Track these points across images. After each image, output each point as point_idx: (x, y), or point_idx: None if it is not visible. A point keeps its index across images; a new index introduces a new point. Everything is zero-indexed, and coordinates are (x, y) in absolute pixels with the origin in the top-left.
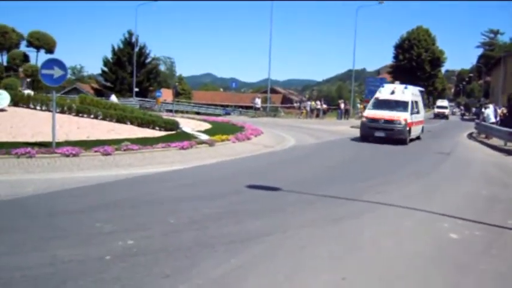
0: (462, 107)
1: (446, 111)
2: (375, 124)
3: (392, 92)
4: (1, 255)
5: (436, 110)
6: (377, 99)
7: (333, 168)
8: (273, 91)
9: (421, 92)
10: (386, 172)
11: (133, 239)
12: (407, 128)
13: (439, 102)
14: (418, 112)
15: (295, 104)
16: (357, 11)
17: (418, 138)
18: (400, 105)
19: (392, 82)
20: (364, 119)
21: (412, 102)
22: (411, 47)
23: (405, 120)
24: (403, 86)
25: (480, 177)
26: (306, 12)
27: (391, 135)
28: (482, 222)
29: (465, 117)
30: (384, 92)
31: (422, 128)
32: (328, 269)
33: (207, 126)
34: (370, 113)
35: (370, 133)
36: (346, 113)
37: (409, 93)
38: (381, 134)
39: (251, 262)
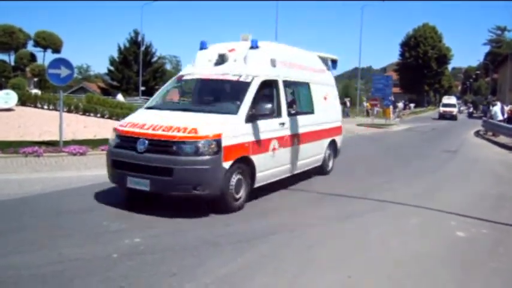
0: (470, 105)
1: (455, 110)
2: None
3: (220, 60)
4: (9, 253)
5: (442, 109)
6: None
7: (338, 166)
8: None
9: (323, 60)
10: (393, 170)
11: (140, 237)
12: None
13: (446, 99)
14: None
15: None
16: (362, 9)
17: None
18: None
19: (399, 80)
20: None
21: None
22: (417, 44)
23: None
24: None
25: (487, 175)
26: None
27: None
28: (490, 221)
29: (473, 115)
30: (202, 60)
31: (331, 146)
32: (334, 267)
33: None
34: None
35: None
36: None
37: (259, 60)
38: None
39: (258, 261)
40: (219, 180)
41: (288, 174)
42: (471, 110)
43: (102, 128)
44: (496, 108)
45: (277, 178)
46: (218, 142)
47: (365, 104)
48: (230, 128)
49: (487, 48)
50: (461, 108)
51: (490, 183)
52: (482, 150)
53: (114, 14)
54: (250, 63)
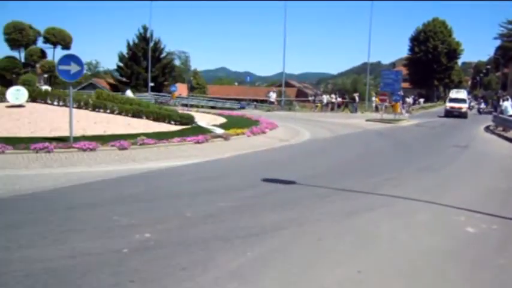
0: (481, 100)
1: (464, 106)
2: None
3: None
4: (22, 247)
5: (448, 105)
6: None
7: (348, 162)
8: (288, 85)
9: None
10: (402, 165)
11: (151, 232)
12: None
13: (454, 93)
14: None
15: (310, 98)
16: (372, 4)
17: None
18: None
19: (408, 75)
20: None
21: None
22: (427, 39)
23: None
24: None
25: (498, 171)
26: (320, 5)
27: None
28: (500, 216)
29: (483, 111)
30: None
31: None
32: (343, 262)
33: (222, 120)
34: None
35: None
36: (345, 107)
37: None
38: None
39: (267, 255)
40: None
41: None
42: (482, 105)
43: (112, 123)
44: (507, 103)
45: None
46: None
47: (374, 99)
48: None
49: (498, 43)
50: (472, 104)
51: (500, 178)
52: (492, 146)
53: (123, 11)
54: None
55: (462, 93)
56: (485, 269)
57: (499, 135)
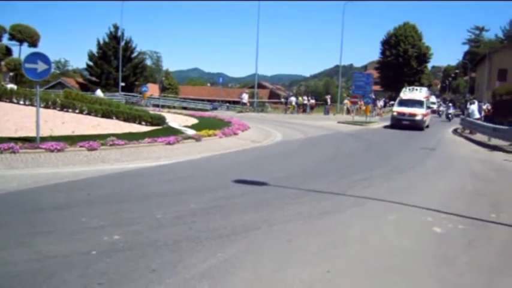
0: (450, 103)
1: (419, 112)
2: None
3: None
4: None
5: (396, 111)
6: None
7: (320, 163)
8: (260, 86)
9: None
10: (371, 167)
11: (120, 234)
12: None
13: (406, 93)
14: None
15: (282, 100)
16: (344, 7)
17: None
18: None
19: (379, 78)
20: None
21: None
22: (398, 43)
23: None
24: None
25: (464, 172)
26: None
27: None
28: (466, 216)
29: (452, 116)
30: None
31: None
32: (313, 262)
33: (194, 121)
34: None
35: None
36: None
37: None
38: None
39: (238, 256)
40: None
41: None
42: (451, 110)
43: (81, 124)
44: (474, 107)
45: None
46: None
47: (345, 101)
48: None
49: (466, 48)
50: (441, 109)
51: (467, 179)
52: (460, 148)
53: (94, 8)
54: None
55: (418, 93)
56: (451, 267)
57: (466, 138)
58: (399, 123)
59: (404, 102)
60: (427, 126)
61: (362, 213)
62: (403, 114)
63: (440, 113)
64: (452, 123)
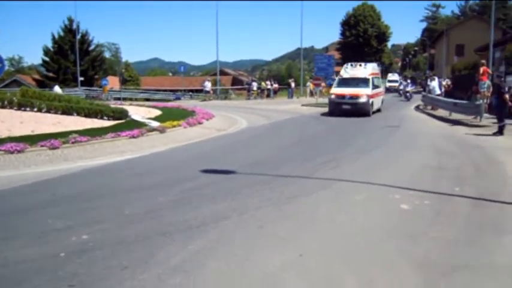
0: (409, 81)
1: (364, 93)
2: None
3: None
4: None
5: (388, 85)
6: None
7: (286, 148)
8: (223, 73)
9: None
10: (337, 148)
11: (88, 233)
12: None
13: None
14: None
15: (245, 85)
16: None
17: None
18: None
19: (341, 59)
20: None
21: None
22: (357, 23)
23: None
24: None
25: (428, 148)
26: None
27: None
28: (432, 192)
29: (411, 95)
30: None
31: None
32: (285, 247)
33: (157, 112)
34: None
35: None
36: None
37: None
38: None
39: (209, 246)
40: None
41: None
42: (409, 87)
43: (40, 123)
44: (434, 83)
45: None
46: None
47: (308, 84)
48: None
49: (424, 25)
50: (404, 83)
51: (431, 155)
52: (423, 124)
53: (46, 2)
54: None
55: (362, 69)
56: (419, 242)
57: (429, 114)
58: (338, 109)
59: (345, 82)
60: (378, 110)
61: (329, 195)
62: (343, 96)
63: (401, 92)
64: (412, 102)
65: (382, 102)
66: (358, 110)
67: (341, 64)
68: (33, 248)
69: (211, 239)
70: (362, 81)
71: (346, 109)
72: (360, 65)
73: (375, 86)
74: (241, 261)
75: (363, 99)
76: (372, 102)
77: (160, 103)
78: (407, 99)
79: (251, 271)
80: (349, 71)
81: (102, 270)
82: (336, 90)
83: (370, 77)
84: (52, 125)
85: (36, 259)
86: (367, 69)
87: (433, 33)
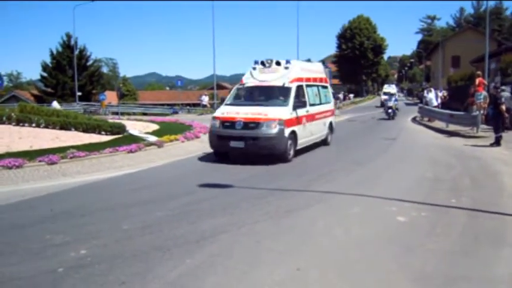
0: (402, 93)
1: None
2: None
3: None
4: None
5: (383, 98)
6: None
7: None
8: (220, 87)
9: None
10: (334, 160)
11: (86, 248)
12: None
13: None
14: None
15: None
16: (298, 4)
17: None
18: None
19: (337, 72)
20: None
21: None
22: (353, 36)
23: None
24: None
25: (424, 160)
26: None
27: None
28: (428, 203)
29: (390, 111)
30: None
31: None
32: (284, 261)
33: (155, 127)
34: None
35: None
36: None
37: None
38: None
39: (207, 261)
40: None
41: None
42: (391, 103)
43: (39, 138)
44: (431, 95)
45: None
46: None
47: None
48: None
49: (419, 37)
50: (385, 97)
51: (427, 167)
52: (420, 136)
53: (44, 16)
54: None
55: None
56: (416, 255)
57: (425, 126)
58: (224, 146)
59: (247, 95)
60: (324, 143)
61: (327, 208)
62: (232, 123)
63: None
64: (410, 112)
65: (330, 128)
66: (258, 150)
67: (337, 77)
68: (31, 263)
69: (210, 253)
70: (277, 94)
71: (237, 147)
72: (278, 64)
73: (305, 103)
74: (240, 276)
75: (269, 130)
76: (294, 134)
77: (157, 117)
78: (389, 117)
79: (250, 286)
80: (257, 74)
81: (99, 285)
82: (224, 110)
83: (292, 86)
84: (50, 140)
85: (33, 275)
86: (290, 71)
87: (428, 45)
